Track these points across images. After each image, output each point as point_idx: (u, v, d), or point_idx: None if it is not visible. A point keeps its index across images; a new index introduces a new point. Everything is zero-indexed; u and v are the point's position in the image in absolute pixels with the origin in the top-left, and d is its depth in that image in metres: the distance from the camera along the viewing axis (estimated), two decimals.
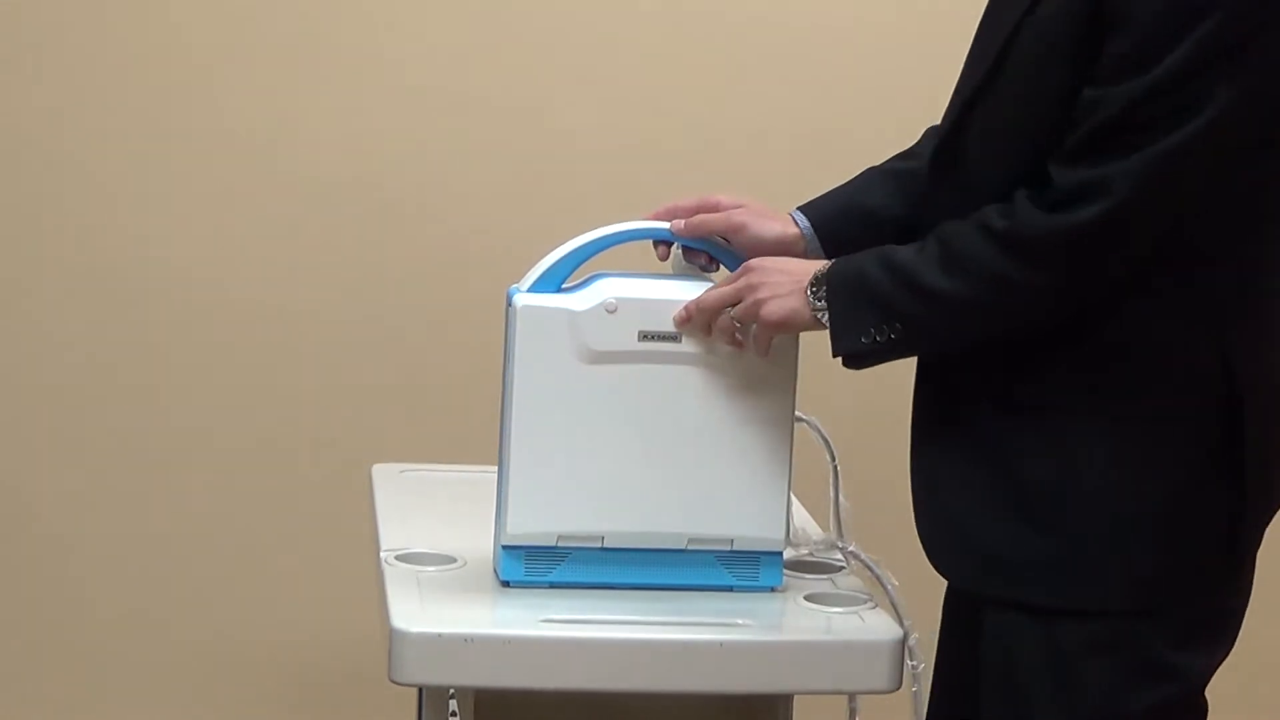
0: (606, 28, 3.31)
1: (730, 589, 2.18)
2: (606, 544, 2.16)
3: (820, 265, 2.13)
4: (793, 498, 2.27)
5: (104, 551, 3.32)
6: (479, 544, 2.24)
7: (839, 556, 2.32)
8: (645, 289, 2.15)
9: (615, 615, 2.14)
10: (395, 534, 2.35)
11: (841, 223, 2.26)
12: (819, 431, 2.35)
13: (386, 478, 2.65)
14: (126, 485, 3.31)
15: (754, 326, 2.14)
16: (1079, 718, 2.09)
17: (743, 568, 2.18)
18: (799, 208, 2.28)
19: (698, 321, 2.15)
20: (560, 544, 2.15)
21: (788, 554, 2.26)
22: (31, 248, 3.28)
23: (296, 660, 3.35)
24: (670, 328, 2.14)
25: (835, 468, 2.37)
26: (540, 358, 2.13)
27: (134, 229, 3.28)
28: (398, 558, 2.26)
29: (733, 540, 2.17)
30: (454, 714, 2.37)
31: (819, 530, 2.41)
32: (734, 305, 2.14)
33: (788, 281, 2.12)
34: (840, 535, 2.34)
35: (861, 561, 2.28)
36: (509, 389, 2.15)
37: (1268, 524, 2.15)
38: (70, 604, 3.34)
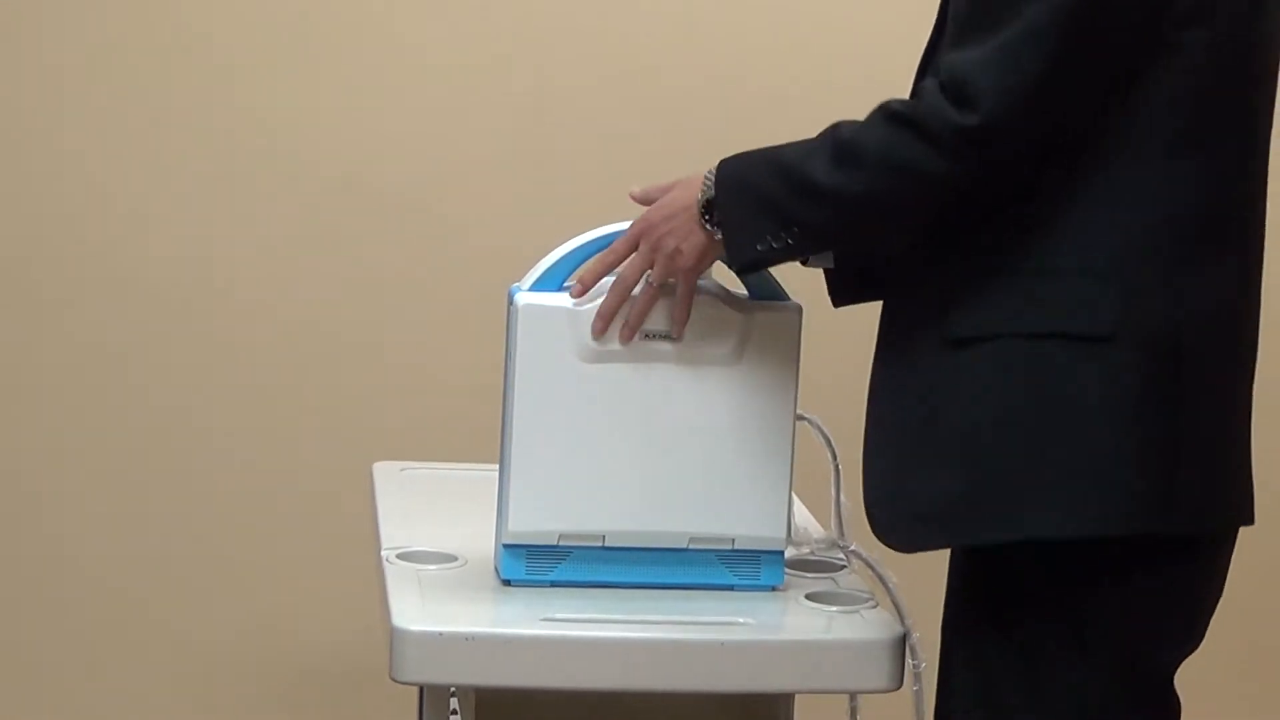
0: (609, 27, 3.31)
1: (731, 588, 2.18)
2: (608, 543, 2.16)
3: (702, 183, 2.10)
4: (794, 496, 2.26)
5: (104, 550, 3.33)
6: (480, 543, 2.24)
7: (840, 555, 2.32)
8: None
9: (616, 615, 2.14)
10: (396, 532, 2.35)
11: None
12: (820, 430, 2.35)
13: (387, 476, 2.66)
14: (127, 483, 3.33)
15: (675, 287, 2.12)
16: (1048, 712, 2.11)
17: (744, 566, 2.18)
18: None
19: (613, 302, 2.13)
20: (561, 543, 2.15)
21: (789, 553, 2.26)
22: (31, 245, 3.29)
23: (297, 659, 3.37)
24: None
25: (836, 466, 2.36)
26: (541, 356, 2.13)
27: (134, 227, 3.29)
28: (399, 556, 2.26)
29: (734, 539, 2.17)
30: (454, 712, 2.38)
31: (820, 529, 2.41)
32: (650, 269, 2.13)
33: (685, 219, 2.11)
34: (841, 534, 2.34)
35: (862, 560, 2.28)
36: (510, 388, 2.15)
37: (1222, 497, 2.12)
38: (69, 603, 3.35)
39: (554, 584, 2.16)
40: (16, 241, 3.28)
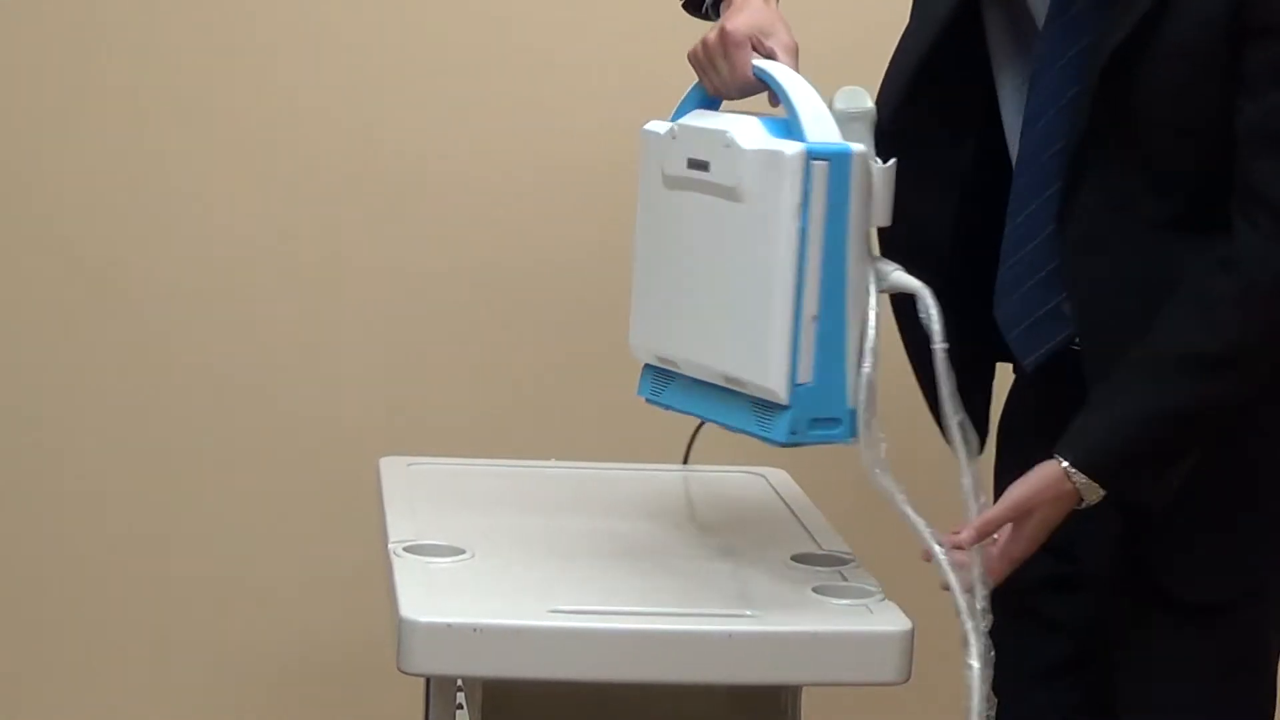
0: (618, 26, 3.30)
1: (747, 433, 2.21)
2: (681, 370, 2.23)
3: (1072, 495, 2.18)
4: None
5: (109, 547, 3.35)
6: (487, 535, 2.27)
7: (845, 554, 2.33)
8: (710, 119, 2.19)
9: (623, 606, 2.17)
10: (403, 526, 2.37)
11: None
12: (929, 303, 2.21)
13: (394, 470, 2.68)
14: (133, 480, 3.34)
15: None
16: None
17: (764, 415, 2.19)
18: None
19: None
20: (660, 364, 2.24)
21: (797, 548, 2.29)
22: (32, 241, 3.29)
23: (304, 652, 3.38)
24: (711, 157, 2.15)
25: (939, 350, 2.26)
26: (645, 180, 2.22)
27: (136, 222, 3.29)
28: (406, 549, 2.28)
29: (744, 383, 2.18)
30: (460, 706, 2.39)
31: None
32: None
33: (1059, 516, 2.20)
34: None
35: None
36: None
37: None
38: (74, 601, 3.36)
39: (667, 407, 2.26)
40: (19, 237, 3.29)
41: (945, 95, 2.29)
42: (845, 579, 2.28)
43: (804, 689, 2.32)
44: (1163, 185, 2.15)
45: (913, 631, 2.13)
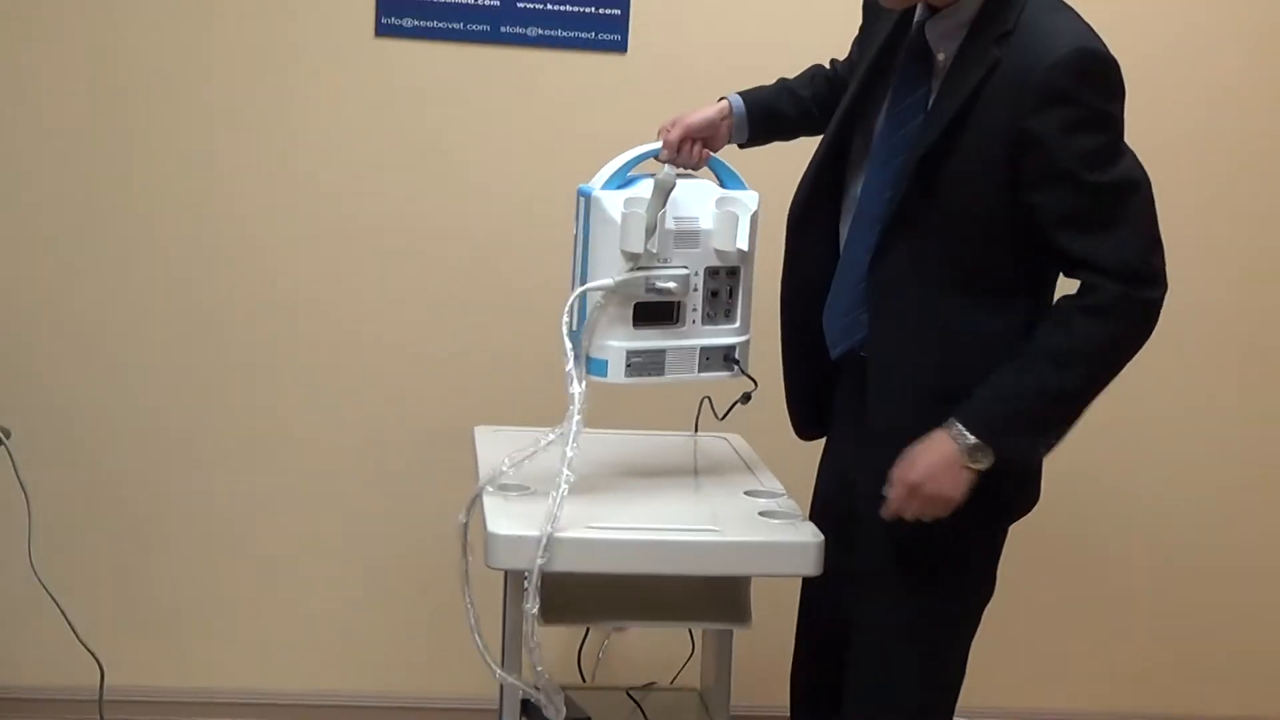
0: (651, 36, 3.56)
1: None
2: None
3: (951, 437, 2.46)
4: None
5: (258, 498, 3.69)
6: (544, 479, 2.68)
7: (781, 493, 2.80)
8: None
9: (634, 524, 2.66)
10: (490, 473, 2.79)
11: (761, 115, 2.81)
12: None
13: (486, 435, 3.13)
14: (276, 449, 3.69)
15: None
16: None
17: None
18: (738, 93, 2.82)
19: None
20: None
21: (749, 486, 2.80)
22: (100, 241, 3.49)
23: (420, 560, 3.74)
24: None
25: None
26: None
27: (270, 230, 3.54)
28: (492, 487, 2.76)
29: None
30: (526, 588, 2.67)
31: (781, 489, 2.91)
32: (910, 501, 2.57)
33: (952, 473, 2.50)
34: None
35: None
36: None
37: None
38: (210, 556, 3.70)
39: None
40: (88, 239, 3.47)
41: (834, 183, 2.73)
42: (779, 507, 2.81)
43: (752, 579, 2.80)
44: (949, 254, 2.52)
45: (824, 542, 2.63)
